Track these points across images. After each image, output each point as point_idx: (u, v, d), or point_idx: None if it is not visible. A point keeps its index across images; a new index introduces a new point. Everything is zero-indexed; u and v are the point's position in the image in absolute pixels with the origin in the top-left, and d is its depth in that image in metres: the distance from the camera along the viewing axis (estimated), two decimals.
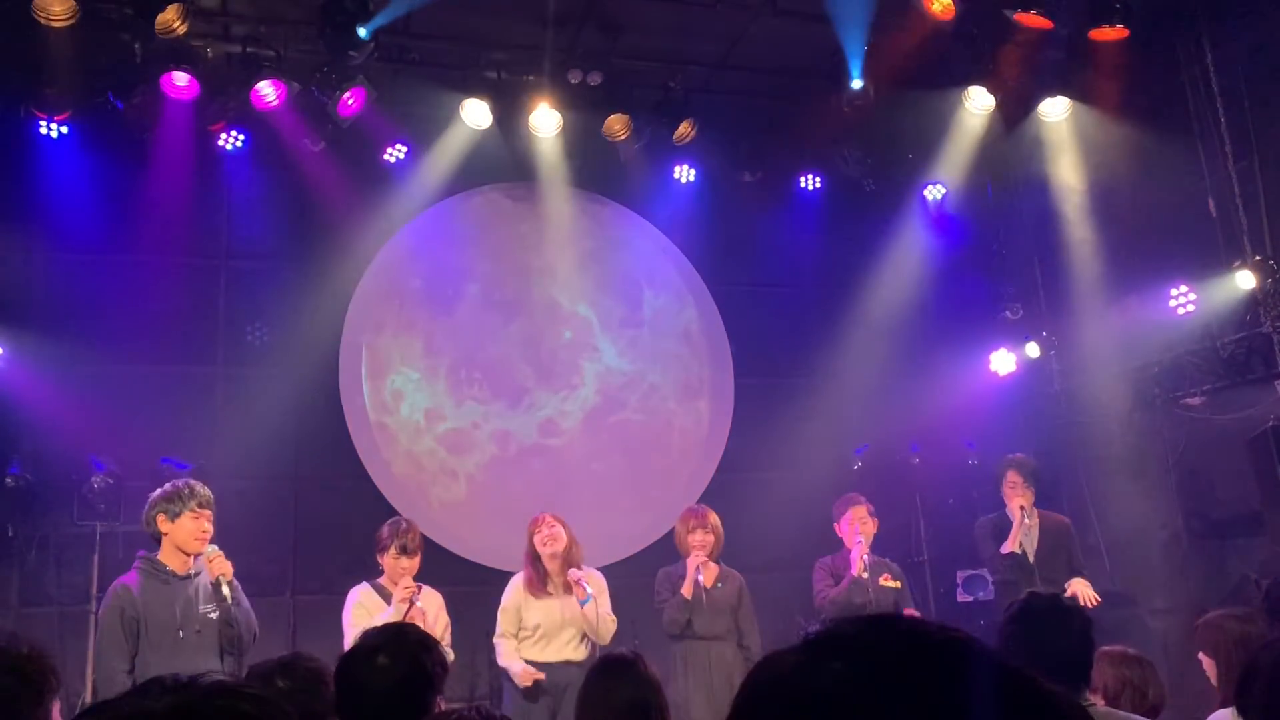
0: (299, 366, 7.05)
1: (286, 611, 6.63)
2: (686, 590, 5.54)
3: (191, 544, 4.36)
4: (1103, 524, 7.47)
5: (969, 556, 7.02)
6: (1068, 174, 7.54)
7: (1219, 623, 3.51)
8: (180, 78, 6.39)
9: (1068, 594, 5.39)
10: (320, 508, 6.93)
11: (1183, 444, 7.07)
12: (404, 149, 7.33)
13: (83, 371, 6.33)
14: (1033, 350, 7.93)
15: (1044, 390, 7.99)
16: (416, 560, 5.04)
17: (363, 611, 4.91)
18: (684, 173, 7.96)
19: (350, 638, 4.81)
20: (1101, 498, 7.50)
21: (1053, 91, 7.14)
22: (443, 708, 2.65)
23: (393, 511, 7.01)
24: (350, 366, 7.37)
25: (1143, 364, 7.07)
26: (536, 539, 5.39)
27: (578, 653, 5.30)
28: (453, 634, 5.19)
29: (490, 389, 7.70)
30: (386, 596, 4.94)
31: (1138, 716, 2.96)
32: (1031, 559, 5.87)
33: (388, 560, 4.99)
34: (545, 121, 7.20)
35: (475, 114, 7.15)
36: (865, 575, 5.80)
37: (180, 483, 4.46)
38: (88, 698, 5.42)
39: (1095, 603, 5.49)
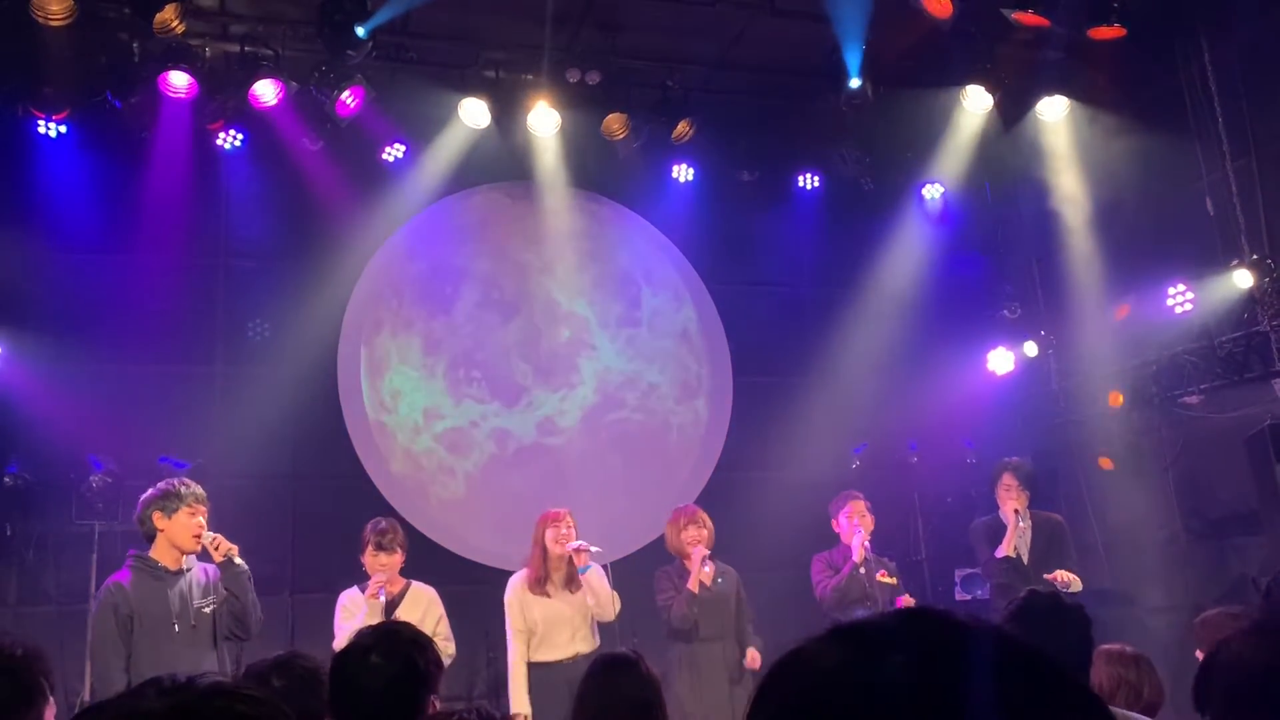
0: (297, 365, 7.05)
1: (285, 610, 6.62)
2: (693, 584, 5.54)
3: (187, 541, 4.41)
4: (1101, 523, 7.48)
5: (967, 555, 7.02)
6: (1065, 173, 7.54)
7: (1218, 621, 3.52)
8: (178, 77, 6.38)
9: (1054, 579, 5.44)
10: (319, 507, 6.93)
11: (1181, 443, 7.08)
12: (402, 148, 7.33)
13: (81, 371, 6.32)
14: (1031, 349, 7.94)
15: (1042, 389, 7.99)
16: (395, 557, 5.06)
17: (346, 614, 4.99)
18: (682, 172, 7.96)
19: (338, 641, 4.84)
20: (1099, 496, 7.51)
21: (1051, 91, 7.15)
22: (438, 707, 2.65)
23: (391, 511, 7.02)
24: (349, 365, 7.37)
25: (1141, 363, 7.07)
26: (549, 534, 5.37)
27: (582, 646, 5.30)
28: (454, 632, 5.21)
29: (489, 388, 7.70)
30: None
31: (1135, 714, 2.97)
32: (1026, 561, 5.87)
33: (366, 558, 5.04)
34: (544, 120, 7.20)
35: (474, 113, 7.14)
36: (864, 566, 5.81)
37: (175, 480, 4.51)
38: (86, 697, 5.42)
39: (1077, 588, 5.51)
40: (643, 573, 5.87)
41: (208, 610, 4.43)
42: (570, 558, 5.37)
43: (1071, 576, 5.61)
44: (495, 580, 5.88)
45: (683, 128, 7.49)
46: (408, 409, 7.53)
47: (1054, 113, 7.28)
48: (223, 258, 7.26)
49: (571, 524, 5.42)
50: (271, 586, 6.46)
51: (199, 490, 4.51)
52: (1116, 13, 6.26)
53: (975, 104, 7.30)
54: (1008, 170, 8.16)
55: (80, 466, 6.20)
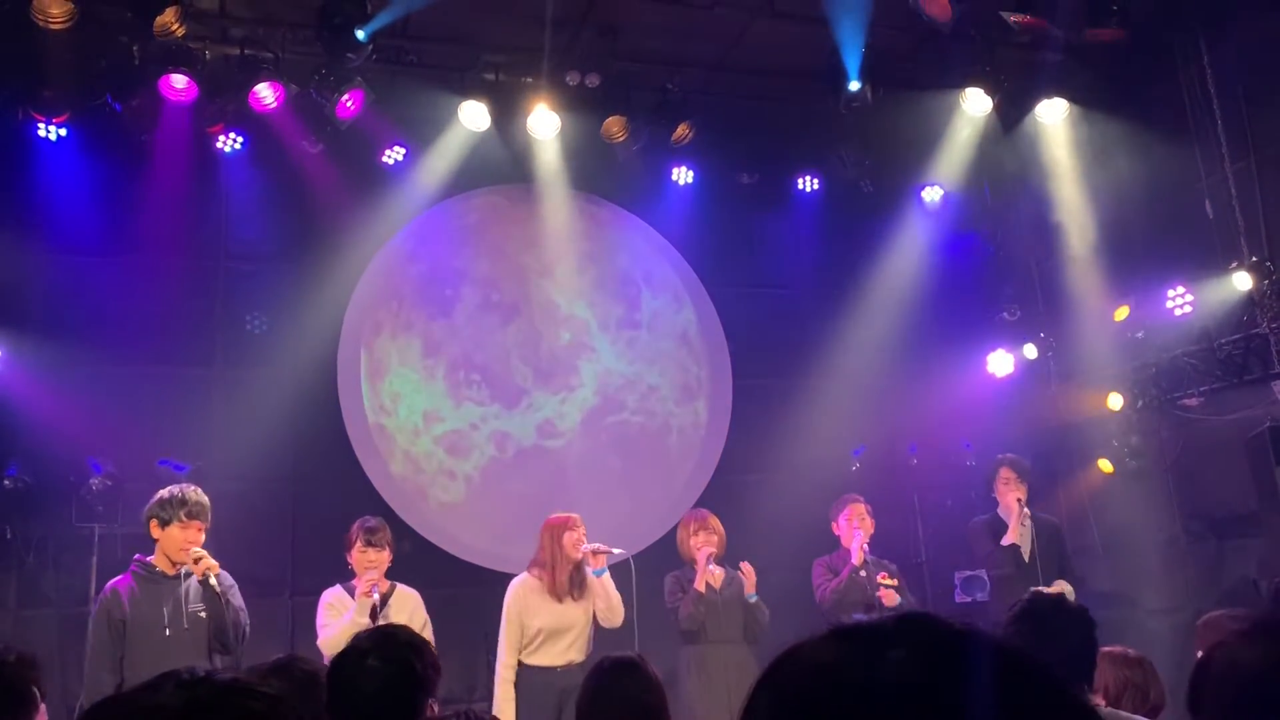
0: (297, 368, 7.04)
1: (285, 613, 6.62)
2: (699, 584, 5.54)
3: (177, 553, 4.51)
4: (1100, 525, 7.48)
5: (967, 557, 7.02)
6: (1065, 176, 7.55)
7: (1219, 623, 3.51)
8: (178, 80, 6.38)
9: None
10: (318, 509, 6.92)
11: (1180, 445, 7.08)
12: (402, 151, 7.33)
13: (81, 373, 6.32)
14: (1030, 351, 7.93)
15: (1042, 391, 7.99)
16: (384, 555, 5.08)
17: (333, 611, 5.00)
18: (682, 174, 7.96)
19: (323, 638, 4.85)
20: (1099, 499, 7.50)
21: (1050, 93, 7.15)
22: (435, 710, 2.65)
23: (391, 513, 7.02)
24: (348, 368, 7.37)
25: (1140, 365, 7.07)
26: (568, 539, 5.35)
27: (575, 655, 5.30)
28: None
29: (489, 390, 7.70)
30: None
31: (1140, 718, 2.96)
32: (1027, 555, 5.89)
33: (354, 555, 5.05)
34: (543, 123, 7.20)
35: (473, 116, 7.14)
36: (865, 569, 5.82)
37: (176, 489, 4.61)
38: (84, 701, 5.42)
39: (1071, 595, 5.53)
40: (643, 575, 5.87)
41: (202, 615, 4.50)
42: (579, 563, 5.36)
43: (1068, 587, 5.63)
44: (495, 582, 5.88)
45: (682, 130, 7.49)
46: (407, 411, 7.53)
47: (1053, 115, 7.28)
48: (223, 260, 7.26)
49: (583, 526, 5.43)
50: (271, 589, 6.47)
51: (198, 501, 4.58)
52: (1116, 15, 6.27)
53: (974, 106, 7.30)
54: (1007, 173, 8.16)
55: (80, 469, 6.19)
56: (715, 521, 5.75)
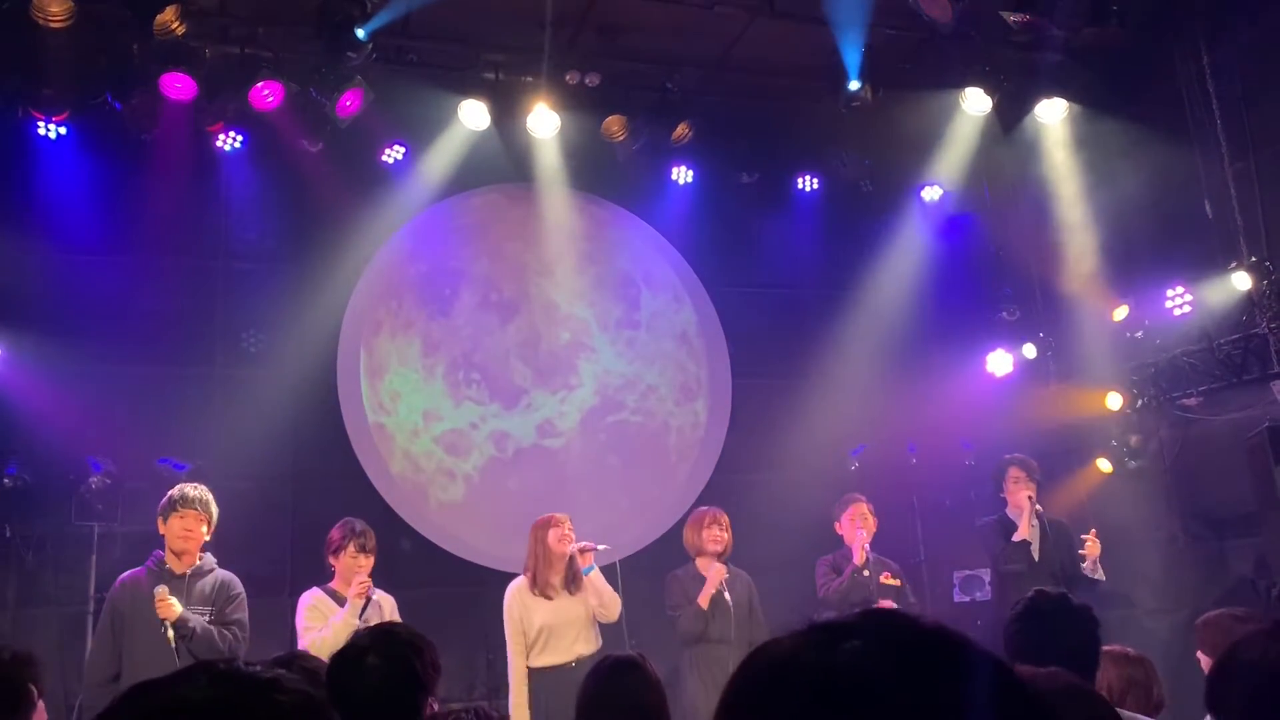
0: (297, 367, 7.05)
1: (285, 612, 6.61)
2: (704, 600, 5.52)
3: (176, 543, 4.64)
4: (1099, 525, 7.47)
5: (966, 557, 7.02)
6: (1064, 175, 7.55)
7: (1219, 622, 3.51)
8: (178, 79, 6.38)
9: (1086, 549, 5.86)
10: (318, 508, 6.89)
11: (1179, 445, 7.09)
12: (402, 150, 7.33)
13: (81, 372, 6.32)
14: (1030, 351, 7.93)
15: (1041, 391, 7.99)
16: (372, 560, 5.08)
17: (316, 614, 4.95)
18: (682, 174, 7.96)
19: (305, 640, 4.82)
20: (1098, 499, 7.50)
21: (1050, 93, 7.15)
22: (435, 709, 2.65)
23: (390, 512, 7.03)
24: (348, 367, 7.37)
25: (1139, 365, 7.07)
26: (552, 536, 5.36)
27: (583, 649, 5.29)
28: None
29: (488, 389, 7.70)
30: (339, 600, 4.96)
31: (1142, 717, 2.97)
32: (1037, 554, 5.90)
33: (344, 560, 5.02)
34: (543, 122, 7.20)
35: (473, 115, 7.14)
36: (867, 569, 5.83)
37: (182, 486, 4.75)
38: (84, 688, 5.43)
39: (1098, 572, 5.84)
40: (642, 574, 5.87)
41: (202, 617, 4.55)
42: (572, 559, 5.36)
43: (1096, 547, 5.91)
44: (494, 582, 5.88)
45: (682, 130, 7.49)
46: (407, 411, 7.53)
47: (1053, 115, 7.28)
48: (222, 259, 7.26)
49: (570, 525, 5.43)
50: (271, 587, 6.46)
51: (199, 495, 4.67)
52: (1115, 15, 6.27)
53: (974, 106, 7.30)
54: (1006, 172, 8.16)
55: (79, 468, 6.19)
56: (727, 520, 5.76)
